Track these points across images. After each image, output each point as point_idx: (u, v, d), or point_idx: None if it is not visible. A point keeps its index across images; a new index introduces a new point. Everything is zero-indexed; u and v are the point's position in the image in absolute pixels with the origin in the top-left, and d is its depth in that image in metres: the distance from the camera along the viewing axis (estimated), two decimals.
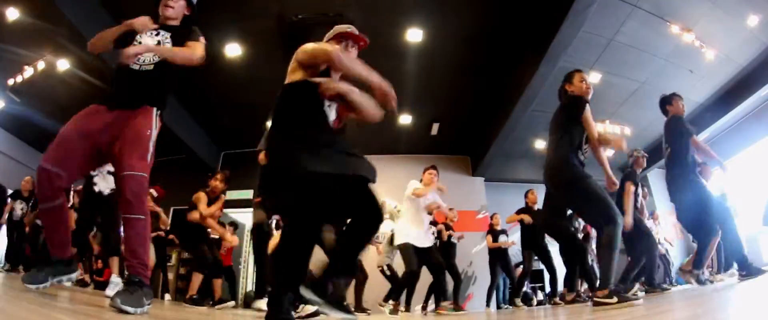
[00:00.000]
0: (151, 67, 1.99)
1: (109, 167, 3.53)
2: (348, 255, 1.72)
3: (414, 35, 5.40)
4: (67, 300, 1.70)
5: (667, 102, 3.84)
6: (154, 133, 1.96)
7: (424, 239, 4.10)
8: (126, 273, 1.83)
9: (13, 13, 4.67)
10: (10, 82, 5.70)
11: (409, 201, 4.15)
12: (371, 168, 1.69)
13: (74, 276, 2.03)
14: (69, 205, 2.22)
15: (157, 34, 2.08)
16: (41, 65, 5.52)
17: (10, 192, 5.81)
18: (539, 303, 7.28)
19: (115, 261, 3.43)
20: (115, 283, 3.12)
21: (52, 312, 1.29)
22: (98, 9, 4.85)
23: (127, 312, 1.55)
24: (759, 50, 5.99)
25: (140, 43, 2.02)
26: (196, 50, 2.05)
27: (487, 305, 6.07)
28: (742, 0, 5.14)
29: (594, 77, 6.30)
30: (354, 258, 1.75)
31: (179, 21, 2.20)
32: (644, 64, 6.17)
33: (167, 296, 5.33)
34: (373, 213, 1.66)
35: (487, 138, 7.65)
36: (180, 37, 2.10)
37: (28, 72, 5.56)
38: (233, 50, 5.62)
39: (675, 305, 2.22)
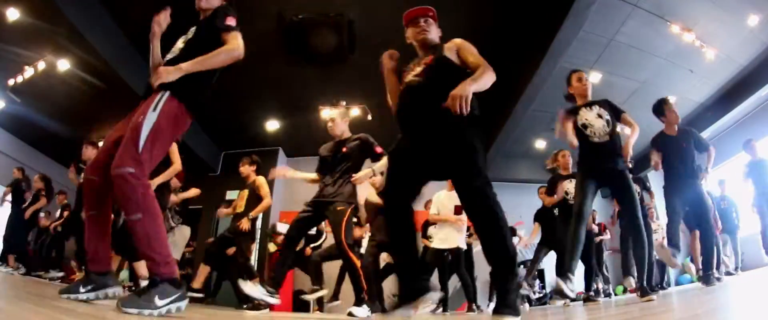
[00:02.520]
0: (176, 53, 1.90)
1: None
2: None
3: None
4: (68, 300, 1.70)
5: (660, 113, 3.86)
6: (153, 116, 1.69)
7: (447, 241, 4.34)
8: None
9: (13, 14, 4.67)
10: (11, 82, 5.70)
11: (442, 208, 4.37)
12: None
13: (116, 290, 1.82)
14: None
15: (185, 36, 1.97)
16: (42, 65, 5.51)
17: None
18: (539, 301, 7.29)
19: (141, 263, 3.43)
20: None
21: (52, 312, 1.28)
22: (99, 9, 4.85)
23: (127, 313, 1.47)
24: (759, 50, 5.98)
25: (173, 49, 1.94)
26: (227, 46, 1.82)
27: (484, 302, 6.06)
28: (742, 0, 5.13)
29: (594, 77, 6.29)
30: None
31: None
32: (645, 64, 6.16)
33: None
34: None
35: (488, 138, 7.64)
36: (207, 24, 1.89)
37: (29, 72, 5.55)
38: None
39: (675, 305, 2.22)
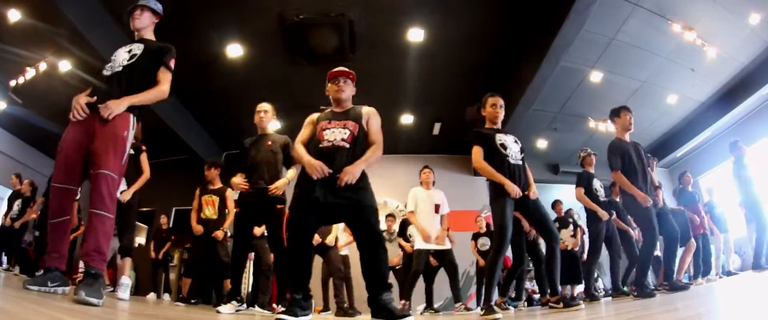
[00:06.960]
0: (120, 69, 2.09)
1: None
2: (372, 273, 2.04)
3: (415, 35, 5.39)
4: (68, 300, 1.70)
5: (614, 114, 3.78)
6: (131, 135, 2.01)
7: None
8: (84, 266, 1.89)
9: (14, 15, 4.68)
10: (12, 83, 5.71)
11: (420, 203, 4.21)
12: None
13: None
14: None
15: (129, 51, 2.17)
16: (43, 66, 5.53)
17: (9, 192, 5.82)
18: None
19: (127, 262, 3.45)
20: (126, 285, 3.23)
21: (52, 312, 1.29)
22: (99, 10, 4.85)
23: (92, 304, 1.64)
24: (760, 49, 5.97)
25: (114, 59, 2.14)
26: (162, 87, 2.11)
27: (478, 304, 6.02)
28: None
29: (595, 76, 6.29)
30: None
31: (151, 30, 2.31)
32: (646, 63, 6.16)
33: (167, 296, 5.33)
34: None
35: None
36: (153, 54, 2.15)
37: (30, 73, 5.56)
38: (234, 50, 5.62)
39: (677, 305, 2.22)
